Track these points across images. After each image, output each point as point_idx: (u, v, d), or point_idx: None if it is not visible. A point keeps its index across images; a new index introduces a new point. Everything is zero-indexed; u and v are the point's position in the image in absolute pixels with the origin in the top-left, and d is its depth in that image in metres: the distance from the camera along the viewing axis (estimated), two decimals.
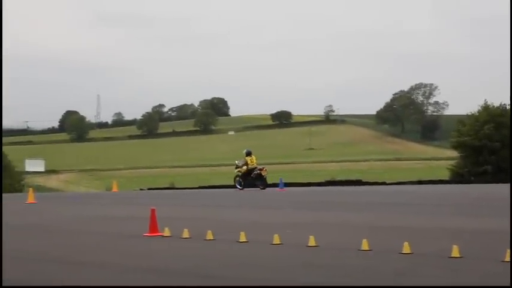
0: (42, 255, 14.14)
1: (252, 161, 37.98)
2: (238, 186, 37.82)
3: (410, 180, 62.33)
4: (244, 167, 37.78)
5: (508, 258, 11.77)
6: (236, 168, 38.25)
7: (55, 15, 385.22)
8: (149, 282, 11.03)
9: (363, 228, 17.77)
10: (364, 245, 13.69)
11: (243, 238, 15.31)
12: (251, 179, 37.50)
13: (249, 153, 38.39)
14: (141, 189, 55.43)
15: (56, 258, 13.62)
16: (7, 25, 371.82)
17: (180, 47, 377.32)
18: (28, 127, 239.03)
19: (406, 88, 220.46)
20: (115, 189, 42.16)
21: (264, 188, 37.21)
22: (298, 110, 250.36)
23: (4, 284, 10.59)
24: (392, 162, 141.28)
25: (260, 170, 37.59)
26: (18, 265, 12.88)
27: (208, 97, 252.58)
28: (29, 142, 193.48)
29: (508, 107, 67.97)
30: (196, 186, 59.32)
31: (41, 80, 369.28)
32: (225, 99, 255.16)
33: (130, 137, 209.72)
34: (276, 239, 14.84)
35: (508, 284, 10.39)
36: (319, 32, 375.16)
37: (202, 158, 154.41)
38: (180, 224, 17.95)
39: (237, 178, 38.10)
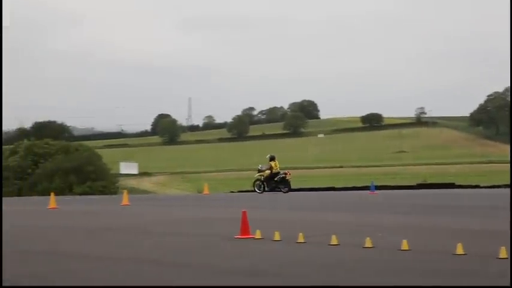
0: (138, 257, 14.41)
1: (276, 166, 39.06)
2: (258, 190, 38.84)
3: (505, 183, 60.63)
4: (268, 172, 38.80)
5: None
6: (258, 172, 39.16)
7: (145, 19, 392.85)
8: (242, 284, 11.11)
9: (457, 232, 17.43)
10: (459, 249, 13.42)
11: (334, 241, 15.24)
12: (275, 182, 38.54)
13: (272, 158, 39.34)
14: (231, 192, 55.88)
15: (153, 260, 13.86)
16: (98, 30, 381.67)
17: (270, 49, 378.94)
18: (122, 130, 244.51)
19: (500, 89, 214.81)
20: (206, 191, 42.68)
21: (287, 192, 38.15)
22: (389, 112, 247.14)
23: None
24: (486, 165, 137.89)
25: (285, 174, 38.80)
26: (115, 267, 13.18)
27: (298, 100, 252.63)
28: (123, 145, 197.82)
29: None
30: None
31: (135, 84, 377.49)
32: (315, 102, 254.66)
33: (221, 140, 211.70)
34: (368, 242, 14.71)
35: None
36: (410, 34, 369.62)
37: (292, 161, 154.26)
38: (271, 226, 18.01)
39: (257, 182, 39.12)
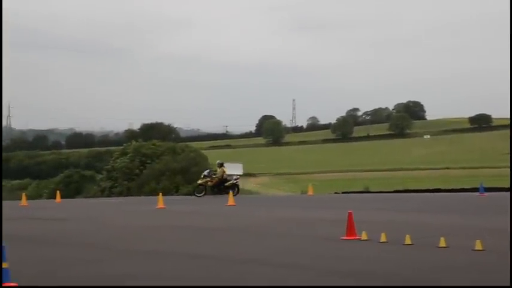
0: (244, 257, 14.52)
1: (225, 172, 40.45)
2: (198, 194, 39.54)
3: None
4: (219, 176, 39.88)
5: None
6: (203, 178, 39.99)
7: (251, 20, 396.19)
8: (348, 285, 11.02)
9: None
10: None
11: (442, 243, 14.92)
12: (225, 187, 39.46)
13: (222, 165, 40.94)
14: (335, 193, 55.62)
15: (259, 261, 13.93)
16: (206, 33, 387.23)
17: (375, 50, 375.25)
18: (227, 131, 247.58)
19: None
20: (310, 192, 42.60)
21: (236, 194, 38.40)
22: (498, 113, 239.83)
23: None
24: None
25: (237, 179, 40.75)
26: (221, 267, 13.32)
27: (404, 100, 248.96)
28: (228, 146, 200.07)
29: None
30: (392, 190, 58.57)
31: (240, 86, 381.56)
32: (421, 103, 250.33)
33: (325, 141, 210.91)
34: (478, 245, 14.32)
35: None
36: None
37: (397, 162, 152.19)
38: (377, 227, 17.80)
39: (200, 187, 39.93)
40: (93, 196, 62.43)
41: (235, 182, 40.36)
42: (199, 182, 40.10)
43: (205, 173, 40.45)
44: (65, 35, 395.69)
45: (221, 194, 39.10)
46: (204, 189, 39.73)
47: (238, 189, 40.62)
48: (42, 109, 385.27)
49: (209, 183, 39.63)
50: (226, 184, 39.85)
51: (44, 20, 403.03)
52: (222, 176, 40.16)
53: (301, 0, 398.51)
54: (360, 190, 62.08)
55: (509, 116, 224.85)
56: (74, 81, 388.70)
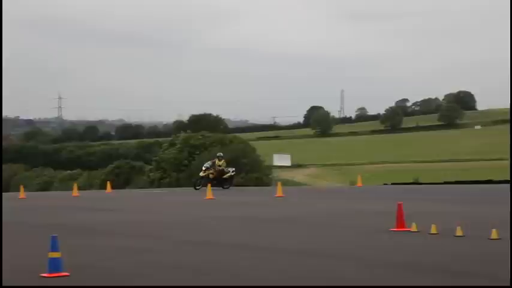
0: (294, 248, 14.51)
1: (224, 164, 39.65)
2: (198, 187, 38.43)
3: None
4: (220, 169, 39.14)
5: None
6: (205, 170, 39.14)
7: (298, 11, 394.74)
8: (399, 277, 10.94)
9: None
10: None
11: (494, 235, 14.71)
12: (223, 180, 39.15)
13: (222, 157, 40.14)
14: (385, 184, 55.21)
15: (309, 252, 13.92)
16: (254, 25, 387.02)
17: (423, 40, 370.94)
18: (275, 122, 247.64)
19: None
20: (359, 183, 42.40)
21: (228, 188, 38.84)
22: None
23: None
24: None
25: (233, 171, 39.92)
26: (273, 258, 13.32)
27: (454, 91, 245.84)
28: (276, 137, 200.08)
29: None
30: (442, 181, 57.91)
31: (288, 77, 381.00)
32: (472, 93, 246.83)
33: (374, 132, 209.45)
34: None
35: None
36: None
37: (448, 153, 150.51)
38: (427, 219, 17.64)
39: (202, 179, 38.81)
40: (143, 187, 63.03)
41: (232, 174, 39.95)
42: (202, 174, 39.20)
43: (207, 165, 39.61)
44: (115, 28, 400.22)
45: (220, 186, 38.70)
46: (200, 182, 38.79)
47: (232, 182, 40.39)
48: (93, 100, 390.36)
49: (211, 175, 38.83)
50: (225, 176, 39.40)
51: (94, 12, 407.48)
52: (222, 169, 39.63)
53: None
54: (409, 182, 61.48)
55: None
56: (124, 73, 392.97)
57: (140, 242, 15.66)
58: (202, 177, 39.06)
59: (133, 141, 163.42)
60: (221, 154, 41.03)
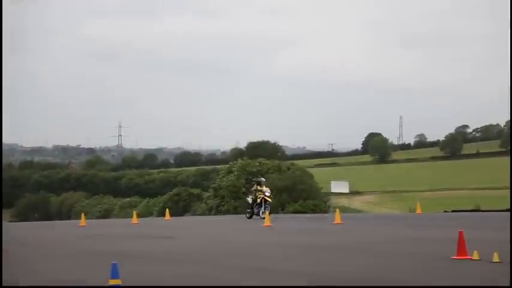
0: (353, 276, 14.38)
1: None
2: (249, 216, 36.19)
3: None
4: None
5: None
6: (259, 195, 35.82)
7: (356, 37, 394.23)
8: None
9: None
10: None
11: None
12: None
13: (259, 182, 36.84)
14: (445, 211, 54.35)
15: (369, 280, 13.78)
16: (310, 52, 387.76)
17: (484, 66, 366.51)
18: (333, 149, 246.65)
19: None
20: (419, 210, 41.81)
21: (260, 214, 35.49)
22: None
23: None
24: None
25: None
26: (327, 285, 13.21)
27: None
28: (334, 164, 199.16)
29: None
30: (504, 208, 56.74)
31: (345, 103, 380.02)
32: None
33: (433, 159, 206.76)
34: None
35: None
36: None
37: (508, 180, 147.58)
38: (489, 247, 17.27)
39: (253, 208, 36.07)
40: (201, 214, 63.34)
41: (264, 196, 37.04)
42: (258, 200, 35.93)
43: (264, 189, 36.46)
44: (175, 55, 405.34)
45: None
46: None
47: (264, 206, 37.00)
48: (153, 128, 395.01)
49: (258, 200, 36.32)
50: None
51: (152, 41, 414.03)
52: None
53: (403, 15, 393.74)
54: (470, 209, 60.43)
55: None
56: (182, 101, 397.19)
57: (197, 268, 15.69)
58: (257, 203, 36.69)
59: (191, 169, 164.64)
60: (259, 179, 37.88)
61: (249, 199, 36.57)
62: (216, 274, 14.56)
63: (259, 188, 36.20)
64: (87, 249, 21.07)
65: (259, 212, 35.57)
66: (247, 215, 36.56)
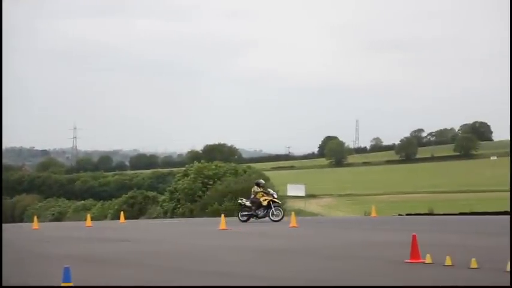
0: (307, 279, 14.40)
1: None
2: (246, 218, 35.35)
3: None
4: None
5: None
6: (264, 198, 35.15)
7: (313, 41, 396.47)
8: None
9: None
10: None
11: (509, 268, 14.51)
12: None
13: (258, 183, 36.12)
14: (399, 215, 54.89)
15: (322, 283, 13.80)
16: (269, 55, 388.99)
17: (439, 70, 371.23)
18: (290, 152, 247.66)
19: None
20: (374, 214, 42.13)
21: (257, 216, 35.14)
22: None
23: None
24: None
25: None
26: None
27: (470, 121, 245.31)
28: (290, 167, 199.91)
29: None
30: (457, 212, 57.52)
31: (303, 106, 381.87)
32: (488, 123, 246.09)
33: (389, 162, 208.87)
34: None
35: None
36: None
37: (463, 184, 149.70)
38: (442, 250, 17.46)
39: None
40: (156, 217, 63.02)
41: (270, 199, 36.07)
42: (265, 203, 35.45)
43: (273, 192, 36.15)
44: (129, 56, 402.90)
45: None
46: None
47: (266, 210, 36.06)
48: (107, 130, 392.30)
49: (264, 202, 35.60)
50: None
51: (109, 43, 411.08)
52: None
53: (364, 20, 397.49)
54: (424, 212, 61.08)
55: None
56: (138, 103, 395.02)
57: (152, 272, 15.58)
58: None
59: (147, 172, 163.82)
60: (259, 180, 37.16)
61: (246, 202, 35.56)
62: (172, 278, 14.47)
63: (259, 189, 35.45)
64: (39, 252, 20.78)
65: (266, 214, 34.87)
66: (243, 218, 35.39)
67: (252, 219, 35.16)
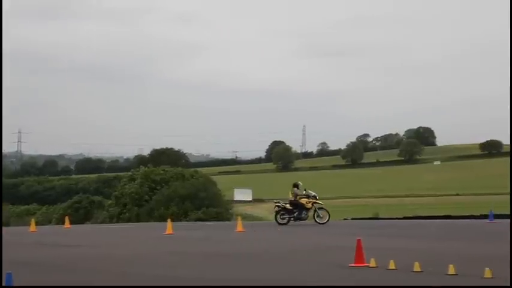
0: (252, 283, 14.44)
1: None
2: (286, 221, 35.06)
3: None
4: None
5: None
6: (307, 201, 35.03)
7: (261, 46, 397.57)
8: None
9: None
10: None
11: (452, 271, 14.80)
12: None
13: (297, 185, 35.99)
14: (345, 219, 55.42)
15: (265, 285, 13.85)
16: (215, 60, 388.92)
17: (385, 77, 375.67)
18: (236, 157, 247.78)
19: None
20: None
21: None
22: (509, 139, 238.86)
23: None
24: None
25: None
26: None
27: (414, 126, 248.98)
28: (237, 172, 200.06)
29: None
30: (401, 216, 58.35)
31: (250, 111, 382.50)
32: (432, 129, 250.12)
33: (335, 167, 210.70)
34: (488, 273, 14.19)
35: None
36: None
37: (407, 188, 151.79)
38: (386, 254, 17.68)
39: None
40: (102, 222, 62.40)
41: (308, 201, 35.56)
42: (309, 205, 34.90)
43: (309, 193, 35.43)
44: (75, 61, 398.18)
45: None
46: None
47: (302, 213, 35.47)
48: (53, 135, 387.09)
49: (308, 204, 34.96)
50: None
51: (54, 46, 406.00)
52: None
53: (312, 26, 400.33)
54: (369, 216, 61.81)
55: None
56: (84, 107, 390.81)
57: (96, 277, 15.45)
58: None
59: (93, 176, 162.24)
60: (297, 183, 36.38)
61: (286, 204, 35.20)
62: (116, 282, 14.36)
63: (297, 191, 35.17)
64: None
65: (304, 217, 34.66)
66: (283, 221, 34.87)
67: (291, 221, 34.80)
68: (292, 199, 35.16)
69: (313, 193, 35.55)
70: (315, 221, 34.81)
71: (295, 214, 34.95)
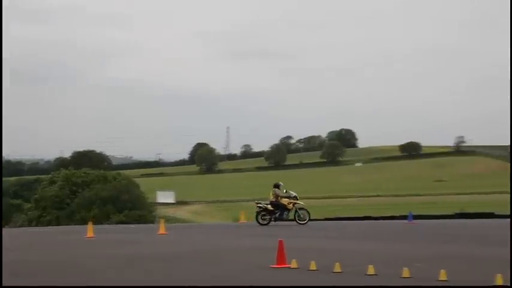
0: (176, 284, 14.37)
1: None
2: (267, 222, 35.22)
3: None
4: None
5: None
6: (288, 202, 35.18)
7: (184, 48, 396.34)
8: None
9: (494, 262, 17.11)
10: (498, 280, 13.13)
11: (371, 271, 15.06)
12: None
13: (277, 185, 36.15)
14: None
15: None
16: (140, 62, 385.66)
17: (309, 79, 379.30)
18: (160, 159, 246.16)
19: None
20: (243, 220, 42.54)
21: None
22: (427, 141, 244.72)
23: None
24: None
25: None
26: None
27: (337, 128, 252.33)
28: (161, 174, 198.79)
29: None
30: (323, 218, 59.05)
31: (173, 114, 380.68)
32: (353, 131, 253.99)
33: (258, 169, 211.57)
34: (406, 273, 14.50)
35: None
36: (450, 63, 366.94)
37: (329, 190, 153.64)
38: (307, 255, 17.86)
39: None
40: (21, 226, 61.12)
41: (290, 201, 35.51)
42: (290, 206, 34.95)
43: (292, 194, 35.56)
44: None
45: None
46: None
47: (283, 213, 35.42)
48: None
49: (290, 205, 34.93)
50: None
51: None
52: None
53: (235, 29, 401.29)
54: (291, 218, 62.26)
55: (437, 144, 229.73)
56: (4, 108, 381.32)
57: (14, 281, 15.12)
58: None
59: (12, 179, 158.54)
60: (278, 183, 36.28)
61: (267, 205, 35.05)
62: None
63: (278, 192, 35.12)
64: None
65: (285, 217, 34.59)
66: (264, 222, 34.80)
67: (272, 222, 34.80)
68: (273, 200, 35.30)
69: (294, 193, 35.77)
70: (296, 221, 34.99)
71: (276, 215, 35.10)
